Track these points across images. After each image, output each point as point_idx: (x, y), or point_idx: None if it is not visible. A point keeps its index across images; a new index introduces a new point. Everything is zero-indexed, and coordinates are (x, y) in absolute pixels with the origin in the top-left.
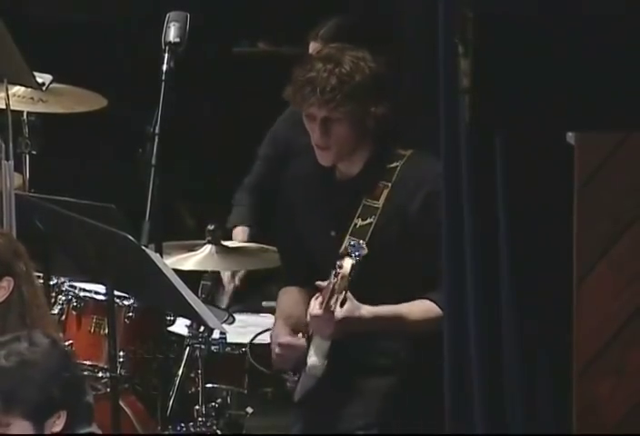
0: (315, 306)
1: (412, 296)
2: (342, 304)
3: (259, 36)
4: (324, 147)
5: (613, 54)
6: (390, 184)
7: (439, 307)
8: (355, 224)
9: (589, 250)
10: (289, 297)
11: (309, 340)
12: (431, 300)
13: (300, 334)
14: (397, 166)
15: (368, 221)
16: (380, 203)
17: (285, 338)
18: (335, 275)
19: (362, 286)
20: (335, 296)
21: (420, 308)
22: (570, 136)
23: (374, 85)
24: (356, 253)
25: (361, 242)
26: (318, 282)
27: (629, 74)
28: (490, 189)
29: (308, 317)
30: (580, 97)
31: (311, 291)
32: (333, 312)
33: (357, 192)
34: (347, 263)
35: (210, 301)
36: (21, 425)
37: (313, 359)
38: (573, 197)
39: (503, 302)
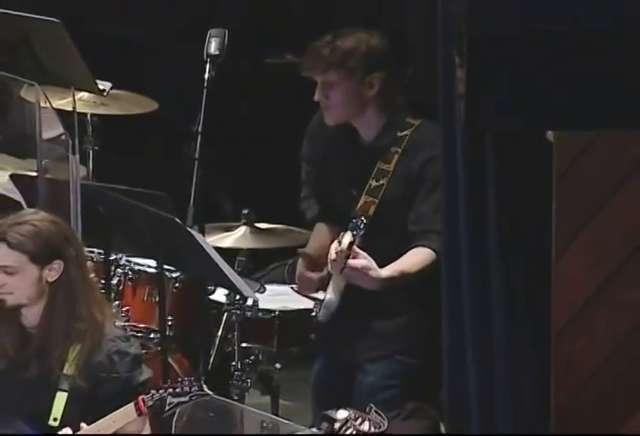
0: (332, 252)
1: (407, 245)
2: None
3: (287, 49)
4: (324, 107)
5: (587, 67)
6: (400, 150)
7: (432, 250)
8: (370, 185)
9: (565, 231)
10: (319, 233)
11: (329, 277)
12: (424, 246)
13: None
14: (407, 134)
15: (381, 182)
16: (391, 167)
17: (303, 272)
18: (339, 243)
19: (374, 236)
20: (341, 265)
21: (418, 257)
22: (550, 134)
23: (365, 56)
24: (354, 232)
25: (360, 221)
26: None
27: (600, 80)
28: (481, 180)
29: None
30: (557, 101)
31: (338, 228)
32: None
33: (374, 156)
34: (346, 240)
35: (245, 273)
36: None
37: (329, 296)
38: (552, 186)
39: (492, 274)
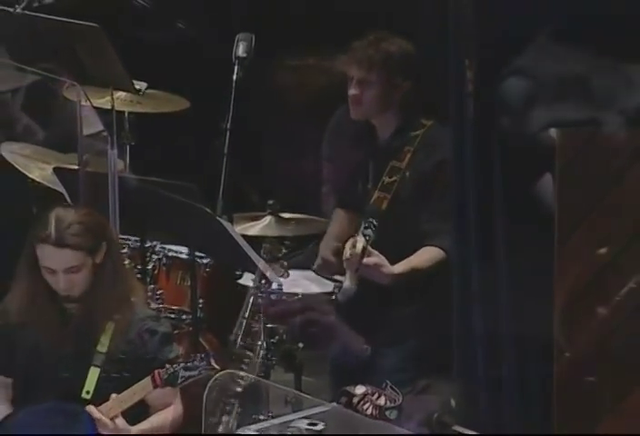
0: (347, 251)
1: (419, 242)
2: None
3: (307, 52)
4: (354, 102)
5: (588, 66)
6: (413, 149)
7: (442, 249)
8: (383, 181)
9: (567, 220)
10: (338, 220)
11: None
12: (434, 245)
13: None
14: (419, 134)
15: (394, 178)
16: (404, 165)
17: (325, 255)
18: (353, 246)
19: (386, 232)
20: (355, 266)
21: (429, 255)
22: (553, 131)
23: (404, 62)
24: (367, 237)
25: (372, 225)
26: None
27: (596, 83)
28: (489, 174)
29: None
30: (558, 101)
31: (354, 215)
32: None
33: (388, 154)
34: (360, 245)
35: (270, 259)
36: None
37: (347, 283)
38: (555, 178)
39: (499, 259)
